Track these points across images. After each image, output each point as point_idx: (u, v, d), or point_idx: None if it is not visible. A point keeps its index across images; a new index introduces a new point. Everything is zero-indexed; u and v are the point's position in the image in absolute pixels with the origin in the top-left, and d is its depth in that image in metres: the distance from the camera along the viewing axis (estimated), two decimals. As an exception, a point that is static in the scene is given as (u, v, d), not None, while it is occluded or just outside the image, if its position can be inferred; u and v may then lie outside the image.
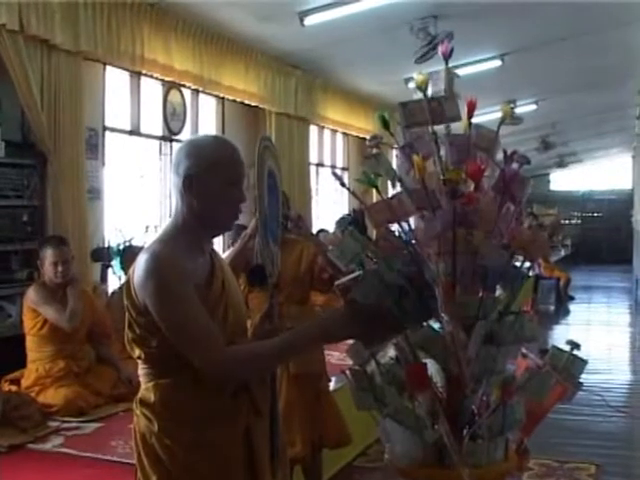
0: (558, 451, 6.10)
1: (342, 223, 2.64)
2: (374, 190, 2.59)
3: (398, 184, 2.59)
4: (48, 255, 5.35)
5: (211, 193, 2.44)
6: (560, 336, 11.99)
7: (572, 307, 15.98)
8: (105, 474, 4.11)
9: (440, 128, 2.66)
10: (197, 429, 2.38)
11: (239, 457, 2.44)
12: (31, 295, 5.38)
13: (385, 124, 2.62)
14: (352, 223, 2.52)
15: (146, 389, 2.44)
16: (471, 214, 2.40)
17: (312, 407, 4.69)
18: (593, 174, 27.83)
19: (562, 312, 15.60)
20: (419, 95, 2.62)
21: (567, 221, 26.72)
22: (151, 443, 2.40)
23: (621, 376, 9.49)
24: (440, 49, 2.62)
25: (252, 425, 2.48)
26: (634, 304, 16.15)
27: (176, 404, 2.39)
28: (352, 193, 2.63)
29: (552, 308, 16.13)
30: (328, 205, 13.13)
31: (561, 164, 25.07)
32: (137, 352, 2.44)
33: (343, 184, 2.62)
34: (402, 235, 2.54)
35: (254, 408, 2.49)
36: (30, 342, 5.44)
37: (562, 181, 28.68)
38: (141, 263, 2.36)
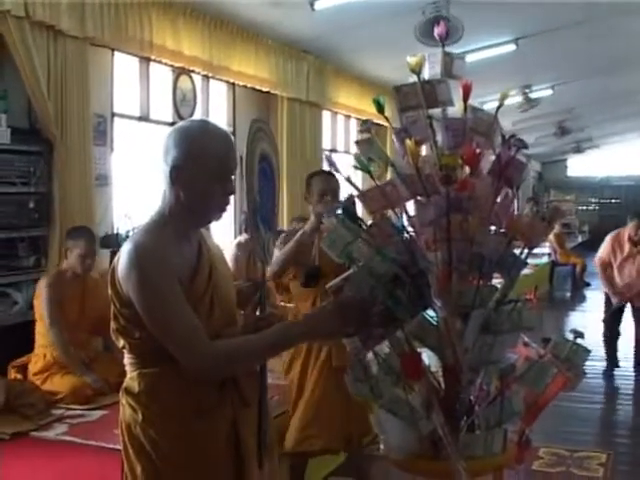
0: (568, 440, 6.04)
1: (332, 211, 2.58)
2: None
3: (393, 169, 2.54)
4: (79, 247, 5.41)
5: (198, 186, 2.38)
6: (576, 323, 11.93)
7: (588, 293, 15.84)
8: (108, 462, 4.06)
9: (438, 112, 2.61)
10: (182, 420, 2.35)
11: (225, 448, 2.41)
12: (42, 285, 5.38)
13: (380, 108, 2.57)
14: (343, 210, 2.47)
15: (131, 378, 2.41)
16: (465, 200, 2.34)
17: (349, 400, 4.65)
18: (611, 160, 27.60)
19: (578, 298, 15.49)
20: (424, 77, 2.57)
21: (584, 207, 26.58)
22: (136, 433, 2.37)
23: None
24: (436, 30, 2.56)
25: (239, 416, 2.44)
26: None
27: (161, 394, 2.35)
28: (347, 179, 2.58)
29: (568, 294, 16.04)
30: (342, 191, 13.04)
31: (578, 149, 24.88)
32: (122, 342, 2.41)
33: (337, 170, 2.57)
34: (396, 222, 2.49)
35: (241, 399, 2.45)
36: (40, 327, 5.43)
37: (579, 167, 28.50)
38: (125, 254, 2.31)
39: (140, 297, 2.27)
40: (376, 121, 12.77)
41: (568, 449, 5.85)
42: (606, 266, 8.58)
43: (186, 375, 2.30)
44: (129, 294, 2.29)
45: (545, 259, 16.02)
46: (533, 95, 14.02)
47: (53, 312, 5.32)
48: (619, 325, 8.75)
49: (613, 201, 27.96)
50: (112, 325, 2.41)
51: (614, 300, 8.59)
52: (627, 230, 8.50)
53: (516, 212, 2.56)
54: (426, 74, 2.57)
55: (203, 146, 2.38)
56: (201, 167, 2.37)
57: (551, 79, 13.95)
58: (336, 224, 2.46)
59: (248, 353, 2.37)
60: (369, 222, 2.55)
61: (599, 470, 5.47)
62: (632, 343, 8.72)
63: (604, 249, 8.66)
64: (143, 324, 2.29)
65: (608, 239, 8.69)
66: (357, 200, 2.60)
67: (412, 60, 2.47)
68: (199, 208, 2.42)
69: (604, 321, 8.85)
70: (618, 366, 8.60)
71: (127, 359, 2.44)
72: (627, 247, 8.49)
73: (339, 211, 2.48)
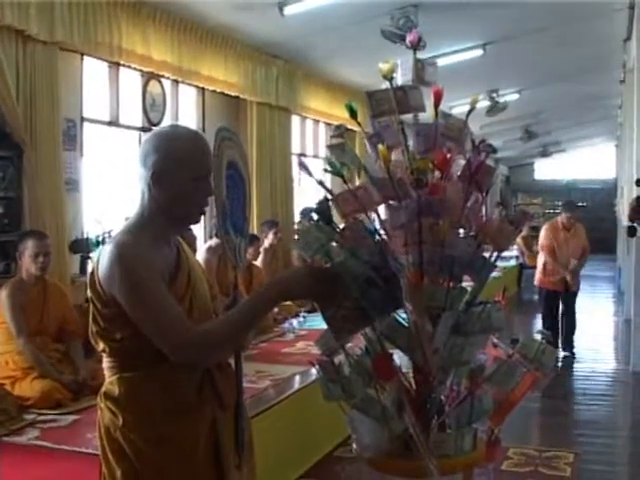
0: (537, 439, 6.11)
1: (306, 213, 2.62)
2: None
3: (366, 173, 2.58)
4: (29, 246, 5.38)
5: (179, 189, 2.41)
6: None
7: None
8: (81, 466, 4.07)
9: (409, 117, 2.65)
10: (162, 423, 2.36)
11: (204, 451, 2.42)
12: (3, 295, 5.36)
13: (352, 113, 2.61)
14: (317, 213, 2.50)
15: (110, 382, 2.42)
16: (436, 204, 2.38)
17: None
18: (577, 163, 27.86)
19: (545, 300, 15.61)
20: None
21: (552, 210, 26.77)
22: (116, 437, 2.37)
23: (605, 364, 9.53)
24: (408, 38, 2.60)
25: (217, 418, 2.46)
26: (617, 293, 16.21)
27: (141, 398, 2.37)
28: (320, 183, 2.61)
29: (536, 297, 16.15)
30: (311, 195, 13.06)
31: (545, 153, 25.11)
32: (101, 345, 2.41)
33: (310, 173, 2.60)
34: (368, 225, 2.53)
35: (219, 401, 2.47)
36: None
37: (546, 170, 28.72)
38: (106, 254, 2.32)
39: (124, 290, 2.28)
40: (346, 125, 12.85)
41: (536, 449, 5.93)
42: (552, 250, 9.78)
43: (166, 377, 2.33)
44: (111, 292, 2.30)
45: (513, 262, 16.16)
46: (500, 99, 14.16)
47: (18, 322, 5.32)
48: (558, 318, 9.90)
49: (579, 204, 28.19)
50: (91, 328, 2.41)
51: (567, 276, 9.71)
52: (560, 219, 9.89)
53: (485, 216, 2.60)
54: (398, 80, 2.61)
55: (183, 149, 2.42)
56: (183, 169, 2.40)
57: (518, 84, 14.11)
58: (310, 226, 2.49)
59: (231, 325, 2.35)
60: (341, 225, 2.58)
61: (567, 469, 5.55)
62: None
63: (545, 237, 9.94)
64: (124, 325, 2.31)
65: (547, 227, 10.02)
66: (330, 203, 2.62)
67: (384, 67, 2.51)
68: (180, 210, 2.45)
69: (545, 317, 10.03)
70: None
71: (106, 363, 2.45)
72: (562, 234, 9.77)
73: (313, 214, 2.51)
